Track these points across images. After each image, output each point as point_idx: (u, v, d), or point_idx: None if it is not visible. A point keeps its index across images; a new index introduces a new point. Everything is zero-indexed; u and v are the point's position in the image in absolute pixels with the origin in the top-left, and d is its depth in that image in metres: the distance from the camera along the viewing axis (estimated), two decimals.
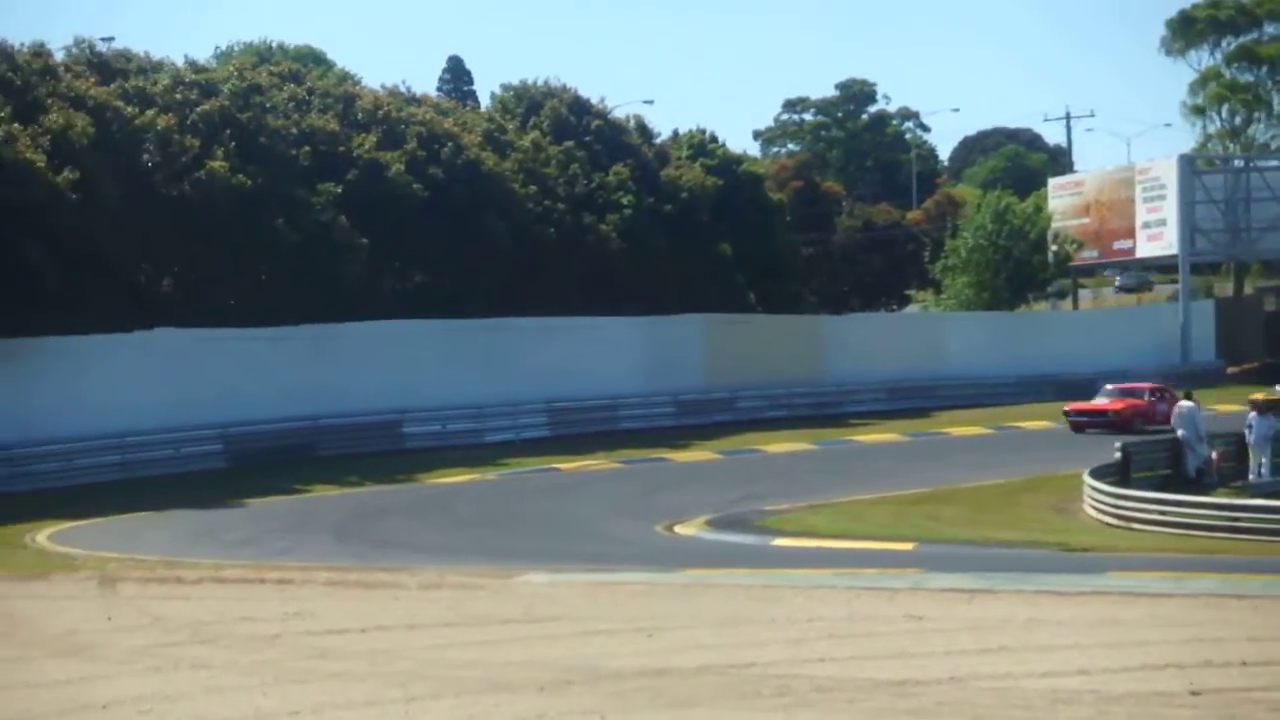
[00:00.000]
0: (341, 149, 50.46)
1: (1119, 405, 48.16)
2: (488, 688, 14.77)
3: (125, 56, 50.19)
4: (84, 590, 23.05)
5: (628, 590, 21.72)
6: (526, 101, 61.94)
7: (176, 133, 45.60)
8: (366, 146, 50.95)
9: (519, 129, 59.44)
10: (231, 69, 52.29)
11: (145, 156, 44.94)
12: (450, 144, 53.06)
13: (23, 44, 45.43)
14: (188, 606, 21.00)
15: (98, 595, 22.44)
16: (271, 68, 55.76)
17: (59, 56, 47.31)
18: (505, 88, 64.32)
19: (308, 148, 49.07)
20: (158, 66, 50.24)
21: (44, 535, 31.93)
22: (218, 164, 45.39)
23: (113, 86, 46.50)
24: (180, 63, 51.78)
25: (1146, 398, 48.39)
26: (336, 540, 30.38)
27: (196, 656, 16.91)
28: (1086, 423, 48.06)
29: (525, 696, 14.35)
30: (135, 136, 44.87)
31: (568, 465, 44.64)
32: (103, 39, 50.54)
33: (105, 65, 48.73)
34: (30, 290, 39.56)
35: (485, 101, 75.52)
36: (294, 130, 49.42)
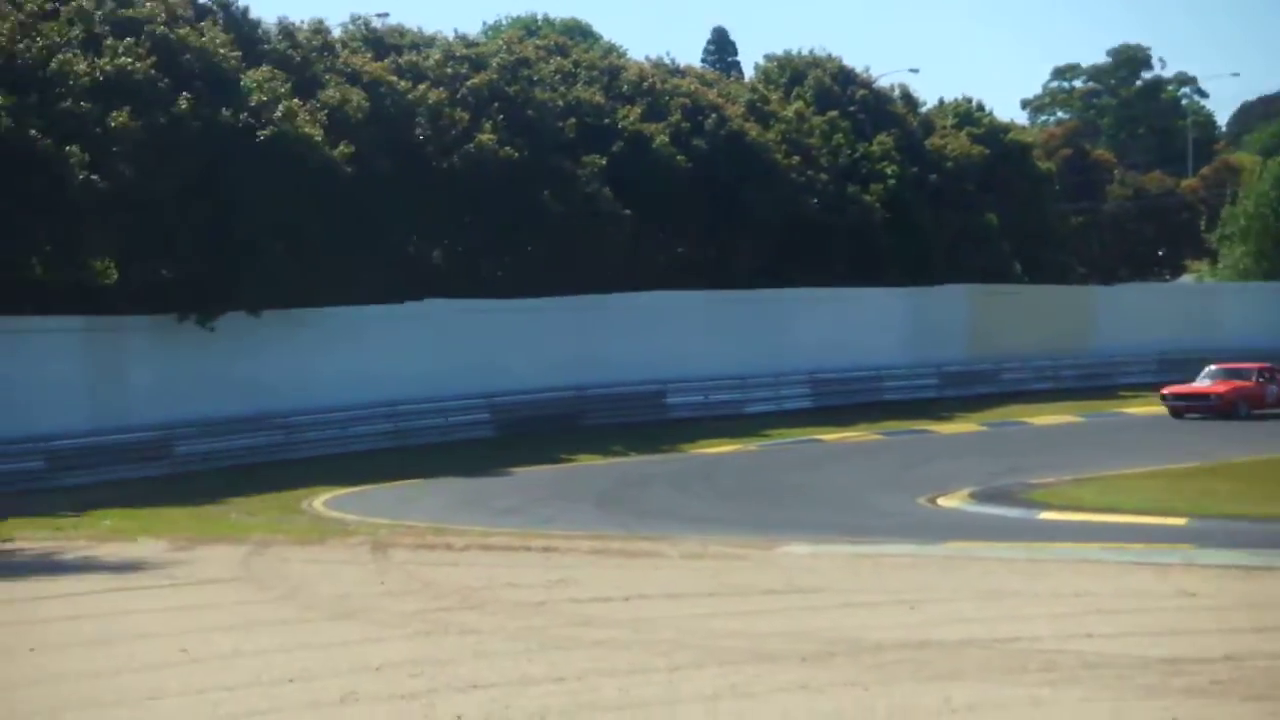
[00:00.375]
0: (606, 121, 50.84)
1: (1222, 388, 44.80)
2: (750, 658, 14.81)
3: (399, 32, 51.22)
4: (357, 555, 23.69)
5: (890, 562, 21.59)
6: (790, 72, 61.64)
7: (447, 106, 46.45)
8: (631, 118, 51.26)
9: (782, 99, 59.21)
10: (500, 43, 53.01)
11: (417, 130, 45.86)
12: (714, 115, 53.10)
13: (303, 21, 46.82)
14: (456, 572, 21.44)
15: (370, 560, 23.04)
16: (538, 41, 56.40)
17: (336, 33, 48.52)
18: (769, 58, 64.09)
19: (573, 120, 49.55)
20: (430, 41, 51.15)
21: (320, 501, 32.90)
22: (486, 137, 46.11)
23: (386, 62, 47.52)
24: (451, 37, 52.63)
25: (1255, 379, 45.15)
26: (599, 509, 30.72)
27: (465, 622, 17.25)
28: (1185, 407, 45.00)
29: (787, 667, 14.36)
30: (407, 111, 45.84)
31: (829, 436, 44.49)
32: (378, 15, 51.71)
33: (380, 41, 49.81)
34: (308, 260, 40.68)
35: (749, 72, 75.43)
36: (560, 103, 49.94)
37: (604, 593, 19.01)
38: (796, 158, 54.62)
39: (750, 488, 33.90)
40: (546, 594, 19.02)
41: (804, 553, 22.68)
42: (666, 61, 58.54)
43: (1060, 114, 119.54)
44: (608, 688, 13.71)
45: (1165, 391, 46.04)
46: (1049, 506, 28.52)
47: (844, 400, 51.27)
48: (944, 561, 21.53)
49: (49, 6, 40.22)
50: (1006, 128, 67.27)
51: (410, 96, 46.06)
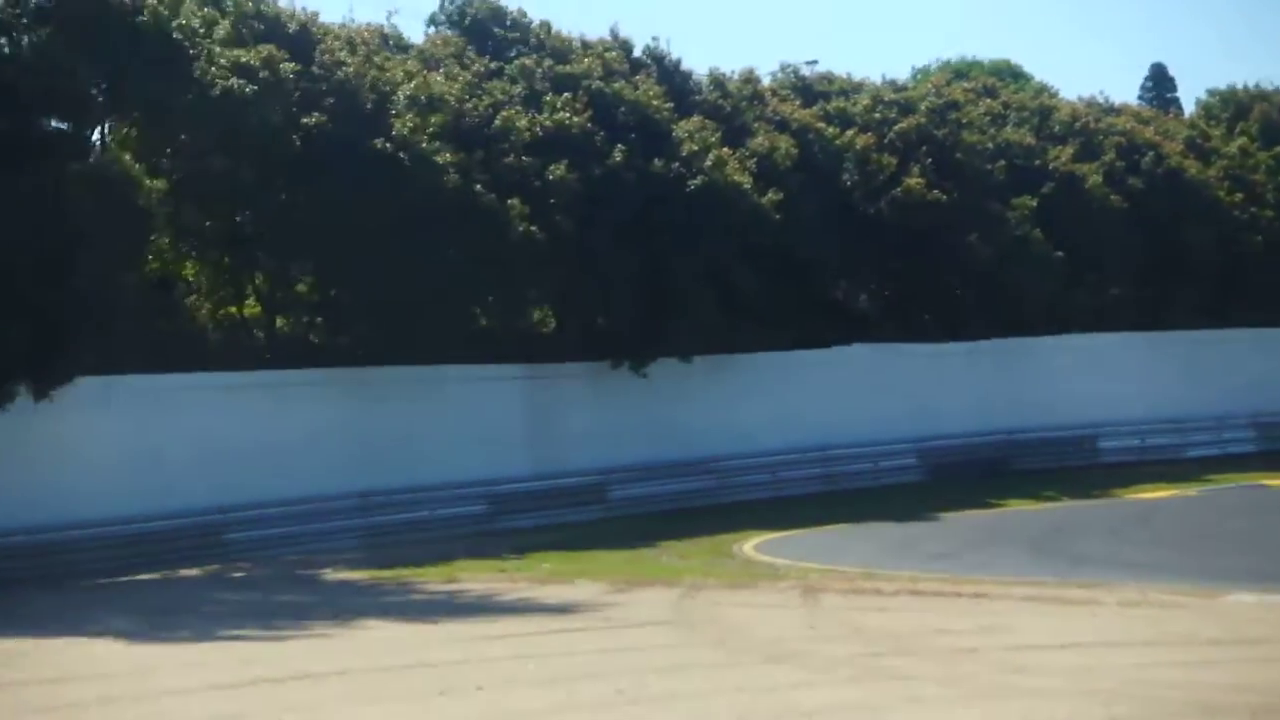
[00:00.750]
0: (1037, 162, 50.08)
1: None
2: (1195, 710, 14.29)
3: (827, 79, 51.51)
4: (788, 599, 23.78)
5: None
6: (1233, 106, 59.55)
7: (874, 151, 46.50)
8: (1063, 159, 50.36)
9: (1225, 135, 57.25)
10: (929, 86, 52.80)
11: (844, 175, 46.05)
12: (1150, 153, 51.74)
13: (733, 71, 47.59)
14: (886, 618, 21.32)
15: (801, 604, 23.11)
16: (966, 84, 55.96)
17: (765, 82, 49.14)
18: (1211, 93, 62.09)
19: (1003, 162, 48.97)
20: (858, 87, 51.30)
21: (750, 545, 33.17)
22: (914, 181, 45.95)
23: (814, 109, 47.89)
24: (879, 82, 52.69)
25: None
26: (1032, 555, 30.11)
27: (896, 668, 17.14)
28: None
29: None
30: (835, 156, 46.09)
31: (1276, 481, 42.59)
32: (807, 63, 52.17)
33: (808, 88, 50.20)
34: (736, 306, 41.25)
35: (1189, 108, 73.17)
36: (989, 145, 49.42)
37: (1038, 640, 18.63)
38: (1239, 194, 52.72)
39: (1190, 534, 32.71)
40: (979, 640, 18.74)
41: (1251, 602, 21.75)
42: (1100, 100, 57.30)
43: None
44: None
45: None
46: None
47: None
48: None
49: (493, 65, 41.96)
50: None
51: (838, 142, 46.30)
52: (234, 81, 34.93)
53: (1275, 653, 17.66)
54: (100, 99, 33.75)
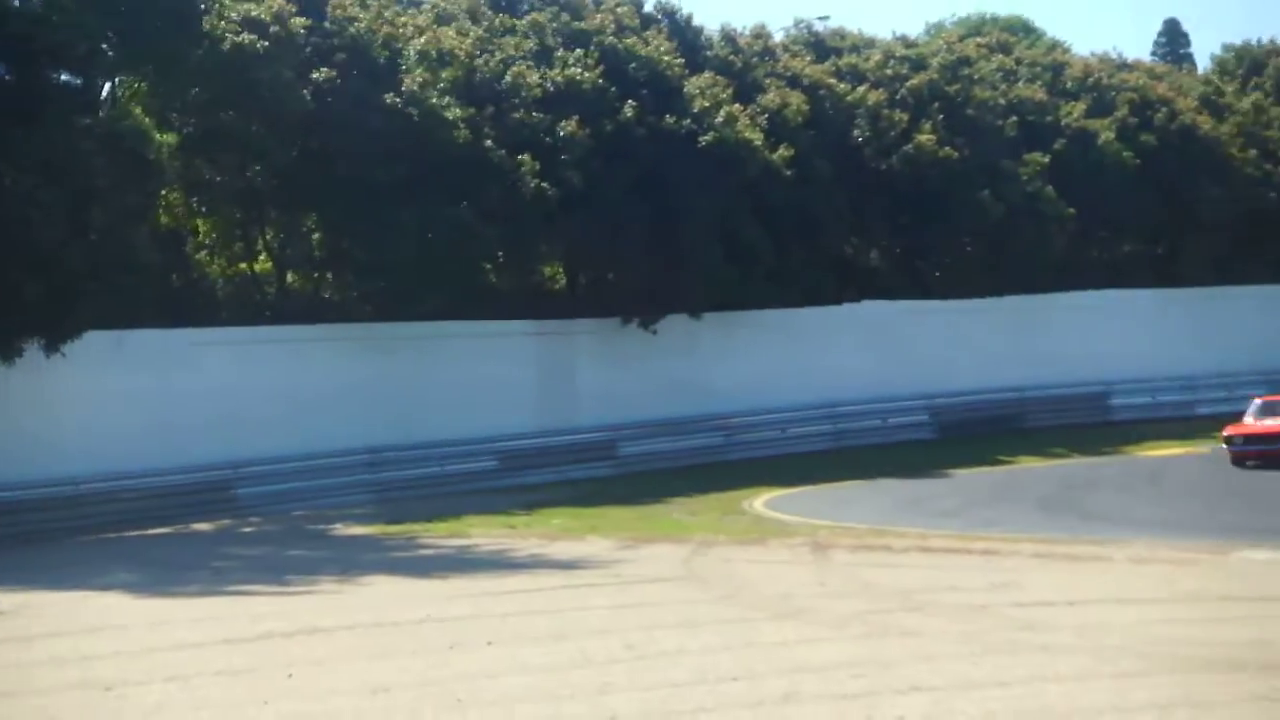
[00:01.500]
0: (1049, 118, 49.92)
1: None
2: (1204, 666, 14.29)
3: (840, 35, 51.35)
4: (798, 556, 23.83)
5: None
6: (1248, 62, 59.26)
7: (886, 107, 46.37)
8: (1075, 115, 50.19)
9: (1239, 91, 57.00)
10: (941, 42, 52.64)
11: (855, 132, 45.92)
12: (1163, 109, 51.55)
13: (745, 27, 47.48)
14: (896, 574, 21.36)
15: (810, 561, 23.15)
16: (979, 39, 55.73)
17: (777, 38, 49.01)
18: (1226, 48, 61.74)
19: (1014, 118, 48.81)
20: (870, 43, 51.14)
21: (760, 501, 33.23)
22: (925, 137, 45.84)
23: (826, 65, 47.74)
24: (891, 38, 52.49)
25: None
26: (1041, 512, 30.12)
27: (905, 624, 17.17)
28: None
29: (1244, 678, 13.78)
30: (846, 113, 45.95)
31: None
32: (819, 18, 52.01)
33: (820, 44, 50.05)
34: (746, 263, 41.20)
35: (1203, 64, 72.87)
36: (1001, 101, 49.26)
37: (1048, 597, 18.64)
38: (1253, 151, 52.55)
39: (1201, 491, 32.68)
40: (988, 597, 18.76)
41: (1262, 558, 21.76)
42: (1113, 56, 57.09)
43: None
44: (1053, 693, 13.44)
45: (1228, 433, 35.96)
46: None
47: None
48: None
49: (506, 21, 41.82)
50: None
51: (849, 98, 46.15)
52: (245, 36, 34.90)
53: None
54: (110, 53, 33.70)
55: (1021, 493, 33.25)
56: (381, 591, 21.90)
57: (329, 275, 40.11)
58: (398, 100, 36.30)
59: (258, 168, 37.63)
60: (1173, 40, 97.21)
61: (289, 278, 40.24)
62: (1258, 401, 37.30)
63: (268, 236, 39.86)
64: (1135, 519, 28.18)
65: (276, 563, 26.29)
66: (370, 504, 35.28)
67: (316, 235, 39.40)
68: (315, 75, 35.91)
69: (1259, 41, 60.07)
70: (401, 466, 37.26)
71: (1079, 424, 45.93)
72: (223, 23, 35.04)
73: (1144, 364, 48.14)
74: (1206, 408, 48.31)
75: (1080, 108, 50.53)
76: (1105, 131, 49.71)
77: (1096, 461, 39.52)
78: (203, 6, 34.70)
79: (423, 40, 38.01)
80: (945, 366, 45.32)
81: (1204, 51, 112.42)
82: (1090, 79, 52.37)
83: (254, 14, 35.45)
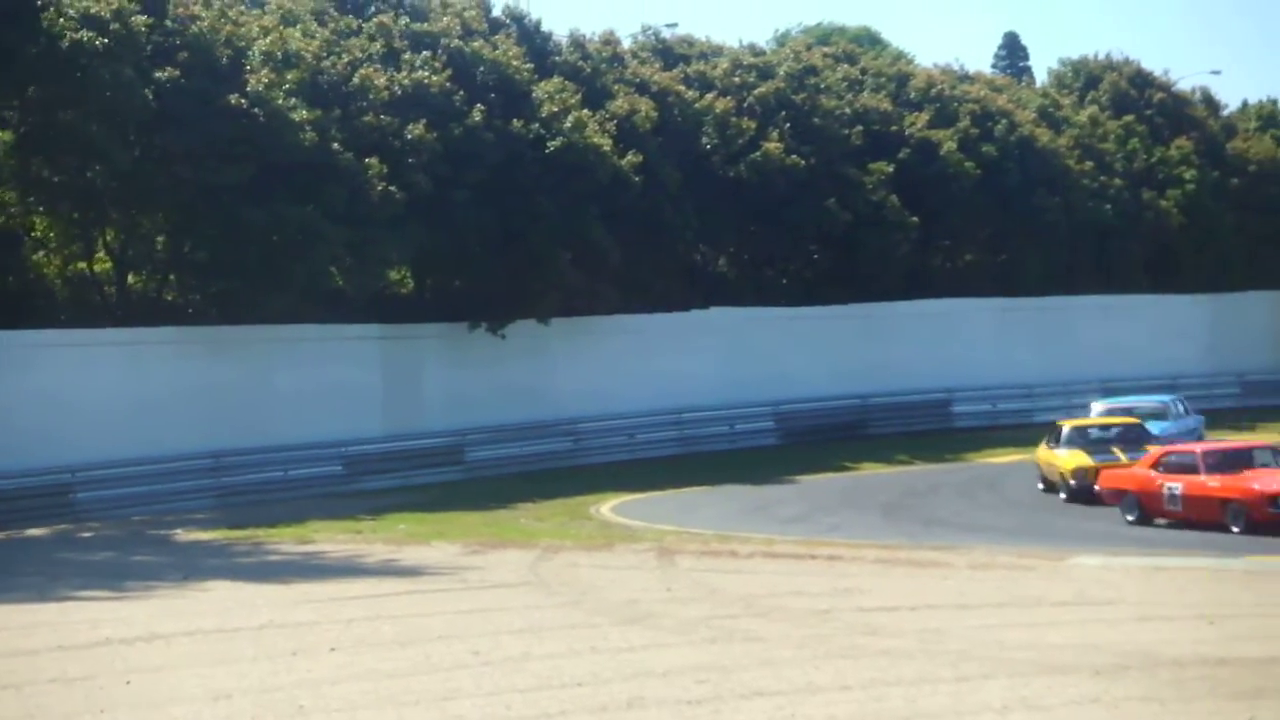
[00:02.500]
0: (894, 128, 50.51)
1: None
2: (1040, 670, 14.54)
3: (688, 42, 51.58)
4: (644, 561, 23.89)
5: (1187, 575, 21.02)
6: (1084, 76, 60.46)
7: (734, 115, 46.64)
8: (918, 125, 50.83)
9: (1076, 104, 58.12)
10: (788, 51, 53.06)
11: (704, 139, 46.14)
12: (1003, 121, 52.38)
13: (594, 33, 47.48)
14: (741, 580, 21.48)
15: (656, 566, 23.22)
16: (825, 49, 56.27)
17: (626, 44, 49.07)
18: (1063, 62, 62.95)
19: (860, 127, 49.33)
20: (718, 51, 51.42)
21: (607, 507, 33.27)
22: (772, 145, 46.17)
23: (675, 72, 47.91)
24: (739, 47, 52.81)
25: None
26: (885, 518, 30.49)
27: (750, 629, 17.27)
28: None
29: (1079, 680, 14.06)
30: (694, 120, 46.14)
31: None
32: (667, 26, 52.23)
33: (669, 51, 50.22)
34: (595, 269, 41.22)
35: (1041, 77, 74.21)
36: (847, 110, 49.76)
37: (890, 602, 18.86)
38: (1089, 163, 53.60)
39: (1039, 498, 33.25)
40: (832, 603, 18.94)
41: (1095, 564, 22.19)
42: (955, 68, 57.90)
43: None
44: (894, 697, 13.60)
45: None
46: None
47: None
48: (1245, 576, 20.87)
49: (353, 24, 41.50)
50: None
51: (698, 106, 46.35)
52: (84, 33, 34.24)
53: (1119, 614, 18.01)
54: None
55: (866, 499, 33.61)
56: (223, 597, 21.62)
57: (171, 277, 39.50)
58: (242, 101, 35.83)
59: (98, 167, 36.92)
60: (1013, 53, 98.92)
61: (130, 279, 39.56)
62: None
63: (108, 237, 39.15)
64: (976, 525, 28.62)
65: (116, 568, 25.84)
66: (213, 509, 34.81)
67: (159, 236, 38.79)
68: (158, 74, 35.32)
69: (1095, 56, 61.34)
70: (245, 471, 36.79)
71: (922, 431, 46.56)
72: (61, 19, 34.37)
73: (985, 372, 48.90)
74: (1045, 415, 49.09)
75: (924, 118, 51.18)
76: (948, 142, 50.39)
77: (939, 468, 40.05)
78: (40, 2, 34.00)
79: (268, 41, 37.56)
80: (792, 373, 45.69)
81: (1043, 65, 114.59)
82: (933, 90, 53.08)
83: (94, 11, 34.79)
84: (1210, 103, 61.82)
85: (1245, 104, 66.01)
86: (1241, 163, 58.19)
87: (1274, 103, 64.81)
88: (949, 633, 16.67)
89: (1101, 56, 61.11)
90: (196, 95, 35.43)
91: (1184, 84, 62.14)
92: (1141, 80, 59.63)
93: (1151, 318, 52.57)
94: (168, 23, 36.32)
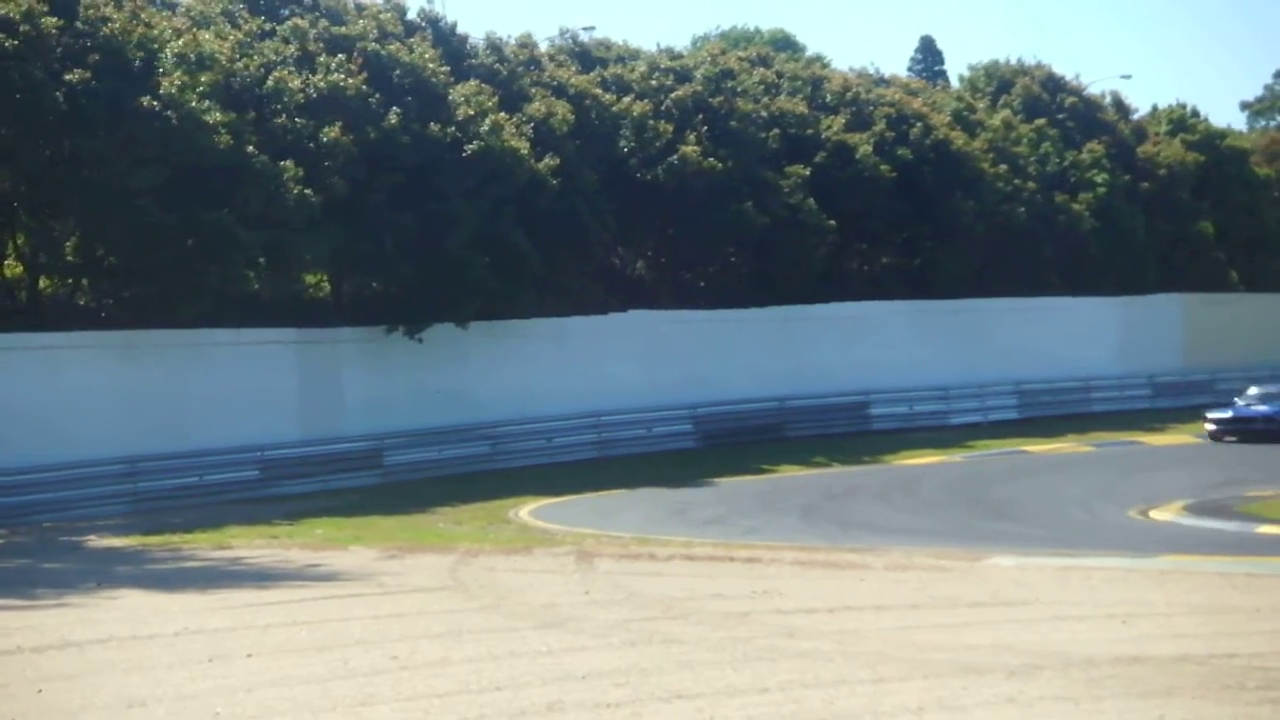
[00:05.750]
0: (810, 131, 50.76)
1: None
2: (956, 670, 14.64)
3: (605, 45, 51.61)
4: (563, 565, 23.85)
5: (1101, 575, 21.21)
6: (997, 80, 61.11)
7: (651, 118, 46.70)
8: (834, 128, 51.11)
9: (989, 108, 58.68)
10: (704, 55, 53.20)
11: (621, 142, 46.18)
12: (919, 124, 52.76)
13: (510, 36, 47.45)
14: (660, 582, 21.49)
15: (575, 570, 23.19)
16: (741, 53, 56.48)
17: (543, 47, 49.04)
18: (975, 67, 63.68)
19: (776, 131, 49.55)
20: (635, 54, 51.48)
21: (525, 510, 33.21)
22: (690, 149, 46.28)
23: (592, 75, 47.95)
24: (656, 50, 52.90)
25: None
26: (803, 520, 30.60)
27: (669, 632, 17.28)
28: None
29: (995, 681, 14.16)
30: (612, 123, 46.18)
31: (1036, 447, 43.84)
32: (584, 29, 52.24)
33: (586, 55, 50.25)
34: (513, 272, 41.16)
35: (955, 81, 74.85)
36: (763, 114, 49.96)
37: (808, 604, 18.92)
38: (1003, 167, 54.11)
39: (955, 499, 33.53)
40: (751, 605, 18.98)
41: (1010, 565, 22.37)
42: (871, 71, 58.28)
43: None
44: (812, 699, 13.64)
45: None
46: (1267, 520, 27.79)
47: (1052, 411, 50.61)
48: (1158, 575, 21.09)
49: (267, 26, 41.24)
50: (1223, 134, 65.93)
51: (615, 109, 46.39)
52: None
53: (1034, 614, 18.16)
54: None
55: (784, 501, 33.73)
56: (137, 604, 21.39)
57: (84, 281, 39.09)
58: (155, 103, 35.52)
59: (7, 170, 36.49)
60: (928, 57, 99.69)
61: (42, 283, 39.14)
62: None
63: (19, 241, 38.70)
64: (893, 527, 28.79)
65: (26, 575, 25.51)
66: (127, 515, 34.47)
67: (71, 240, 38.39)
68: (68, 76, 34.95)
69: (1008, 60, 62.00)
70: (160, 476, 36.48)
71: (840, 433, 46.82)
72: None
73: (902, 374, 49.25)
74: (960, 417, 49.67)
75: (840, 121, 51.47)
76: (864, 145, 50.70)
77: (856, 470, 40.26)
78: None
79: (180, 43, 37.22)
80: (709, 376, 45.83)
81: (957, 69, 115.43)
82: (849, 93, 53.39)
83: (3, 12, 34.39)
84: (1121, 107, 62.62)
85: (1155, 108, 66.97)
86: (1152, 166, 58.96)
87: (1184, 107, 65.76)
88: (866, 634, 16.75)
89: (1014, 61, 61.78)
90: (108, 97, 35.09)
91: (1095, 88, 63.04)
92: (1053, 84, 60.33)
93: (1064, 320, 53.13)
94: (78, 24, 35.95)
